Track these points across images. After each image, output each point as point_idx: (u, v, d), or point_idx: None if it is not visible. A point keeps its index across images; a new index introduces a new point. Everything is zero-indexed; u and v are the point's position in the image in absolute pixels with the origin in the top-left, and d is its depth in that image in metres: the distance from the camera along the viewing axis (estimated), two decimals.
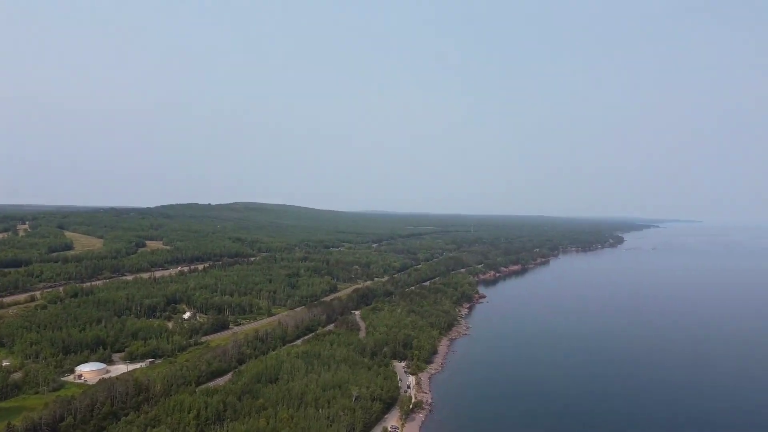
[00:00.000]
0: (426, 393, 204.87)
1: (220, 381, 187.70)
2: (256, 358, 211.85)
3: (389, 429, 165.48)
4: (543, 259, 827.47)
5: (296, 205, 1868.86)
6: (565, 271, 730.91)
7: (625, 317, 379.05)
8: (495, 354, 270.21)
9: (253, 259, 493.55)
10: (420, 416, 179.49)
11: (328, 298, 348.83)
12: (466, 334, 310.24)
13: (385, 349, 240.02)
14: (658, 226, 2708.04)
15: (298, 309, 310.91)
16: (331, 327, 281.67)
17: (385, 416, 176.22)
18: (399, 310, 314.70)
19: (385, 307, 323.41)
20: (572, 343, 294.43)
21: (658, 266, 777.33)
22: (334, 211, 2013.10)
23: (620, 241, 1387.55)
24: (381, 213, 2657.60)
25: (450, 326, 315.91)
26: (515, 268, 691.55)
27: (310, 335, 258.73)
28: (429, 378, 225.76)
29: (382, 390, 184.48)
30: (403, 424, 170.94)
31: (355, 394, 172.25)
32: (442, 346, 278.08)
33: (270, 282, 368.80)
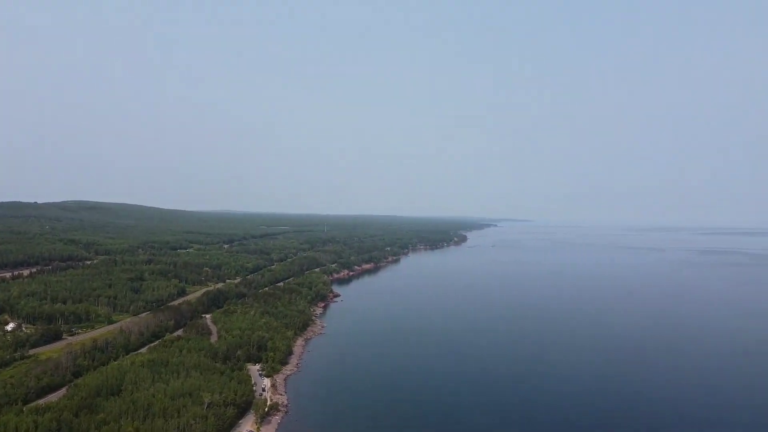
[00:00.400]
0: (282, 395, 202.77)
1: (53, 397, 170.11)
2: (95, 370, 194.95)
3: None
4: (394, 258, 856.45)
5: (138, 204, 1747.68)
6: (416, 268, 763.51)
7: (471, 309, 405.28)
8: (350, 351, 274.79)
9: (89, 262, 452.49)
10: (276, 418, 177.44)
11: (176, 303, 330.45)
12: (321, 333, 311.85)
13: (239, 352, 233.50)
14: (496, 225, 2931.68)
15: (143, 315, 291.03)
16: (180, 332, 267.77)
17: (240, 421, 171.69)
18: (253, 312, 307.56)
19: (238, 309, 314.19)
20: (423, 337, 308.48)
21: (498, 260, 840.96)
22: (180, 210, 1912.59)
23: (464, 239, 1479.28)
24: (232, 212, 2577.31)
25: (305, 326, 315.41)
26: (368, 266, 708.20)
27: (157, 342, 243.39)
28: (285, 379, 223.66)
29: (236, 394, 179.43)
30: (258, 427, 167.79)
31: (207, 400, 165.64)
32: (298, 346, 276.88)
33: (110, 287, 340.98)
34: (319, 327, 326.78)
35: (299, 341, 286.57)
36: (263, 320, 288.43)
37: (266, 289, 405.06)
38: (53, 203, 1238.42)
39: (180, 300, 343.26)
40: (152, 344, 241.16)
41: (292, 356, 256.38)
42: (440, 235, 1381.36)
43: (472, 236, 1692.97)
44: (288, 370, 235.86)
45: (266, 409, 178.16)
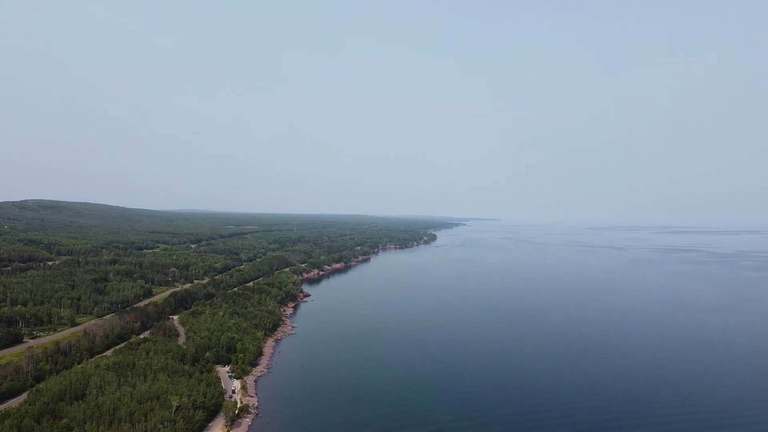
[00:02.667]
0: (252, 396, 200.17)
1: (13, 402, 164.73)
2: (57, 374, 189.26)
3: None
4: (364, 257, 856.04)
5: (101, 203, 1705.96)
6: (385, 267, 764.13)
7: (438, 306, 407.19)
8: (320, 351, 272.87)
9: (51, 263, 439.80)
10: (247, 420, 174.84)
11: (142, 304, 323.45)
12: (291, 334, 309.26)
13: (208, 354, 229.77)
14: (464, 224, 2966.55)
15: (108, 317, 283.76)
16: (146, 334, 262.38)
17: (210, 424, 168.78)
18: (222, 313, 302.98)
19: (206, 310, 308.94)
20: (392, 336, 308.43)
21: (462, 259, 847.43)
22: (146, 209, 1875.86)
23: (433, 238, 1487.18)
24: (198, 212, 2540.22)
25: (275, 326, 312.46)
26: (338, 266, 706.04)
27: (123, 344, 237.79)
28: (255, 381, 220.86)
29: (205, 397, 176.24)
30: (228, 430, 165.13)
31: (175, 404, 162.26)
32: (268, 347, 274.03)
33: (72, 288, 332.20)
34: (289, 327, 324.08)
35: (269, 342, 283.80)
36: (232, 321, 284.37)
37: (235, 289, 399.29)
38: (12, 202, 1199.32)
39: (146, 301, 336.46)
40: (118, 347, 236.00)
41: (263, 357, 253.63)
42: (410, 235, 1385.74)
43: (441, 235, 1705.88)
44: (258, 371, 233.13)
45: (236, 412, 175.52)
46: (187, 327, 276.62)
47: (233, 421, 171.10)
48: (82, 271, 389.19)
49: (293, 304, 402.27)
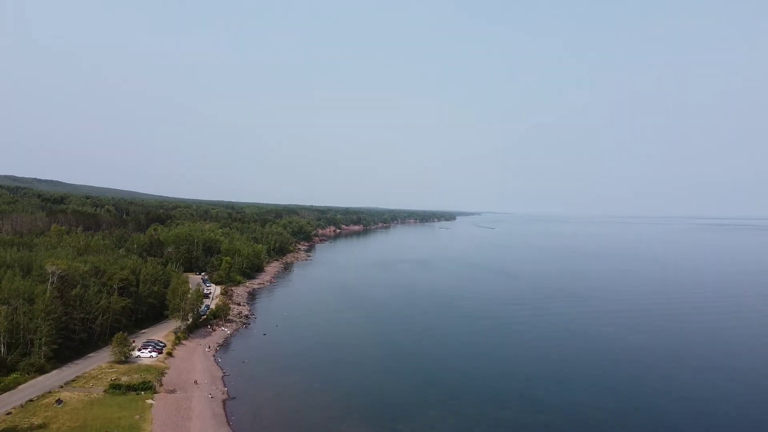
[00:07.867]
0: (240, 305, 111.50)
1: None
2: None
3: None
4: (384, 225, 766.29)
5: (108, 187, 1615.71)
6: (413, 233, 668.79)
7: (472, 273, 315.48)
8: (346, 278, 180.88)
9: None
10: (220, 336, 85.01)
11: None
12: (307, 260, 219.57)
13: (170, 250, 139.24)
14: (479, 214, 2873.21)
15: (34, 213, 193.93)
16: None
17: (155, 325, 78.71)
18: (207, 227, 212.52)
19: (186, 224, 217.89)
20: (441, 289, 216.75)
21: (497, 232, 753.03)
22: (155, 195, 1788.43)
23: (453, 218, 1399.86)
24: (212, 201, 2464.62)
25: (284, 250, 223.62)
26: (357, 228, 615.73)
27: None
28: (249, 292, 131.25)
29: (138, 275, 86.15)
30: (182, 330, 74.96)
31: (55, 268, 72.19)
32: (273, 267, 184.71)
33: (10, 204, 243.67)
34: (304, 255, 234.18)
35: (275, 264, 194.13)
36: (221, 231, 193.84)
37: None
38: (5, 176, 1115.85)
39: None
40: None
41: (263, 274, 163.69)
42: (430, 214, 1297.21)
43: (460, 219, 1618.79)
44: (255, 284, 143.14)
45: (197, 312, 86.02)
46: (153, 233, 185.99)
47: (194, 326, 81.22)
48: (37, 199, 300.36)
49: (308, 244, 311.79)
